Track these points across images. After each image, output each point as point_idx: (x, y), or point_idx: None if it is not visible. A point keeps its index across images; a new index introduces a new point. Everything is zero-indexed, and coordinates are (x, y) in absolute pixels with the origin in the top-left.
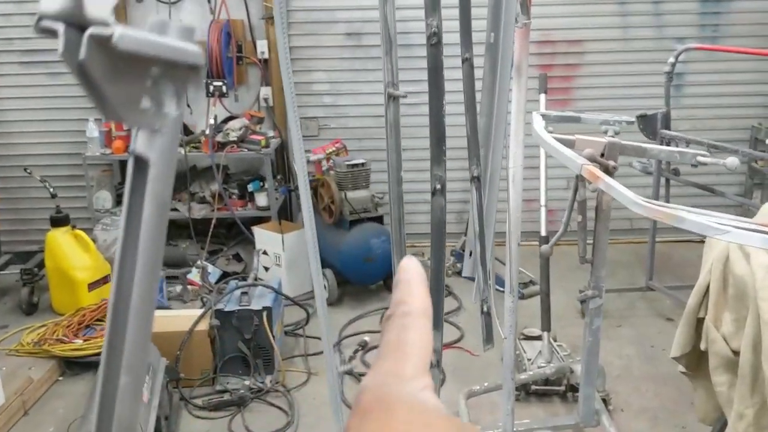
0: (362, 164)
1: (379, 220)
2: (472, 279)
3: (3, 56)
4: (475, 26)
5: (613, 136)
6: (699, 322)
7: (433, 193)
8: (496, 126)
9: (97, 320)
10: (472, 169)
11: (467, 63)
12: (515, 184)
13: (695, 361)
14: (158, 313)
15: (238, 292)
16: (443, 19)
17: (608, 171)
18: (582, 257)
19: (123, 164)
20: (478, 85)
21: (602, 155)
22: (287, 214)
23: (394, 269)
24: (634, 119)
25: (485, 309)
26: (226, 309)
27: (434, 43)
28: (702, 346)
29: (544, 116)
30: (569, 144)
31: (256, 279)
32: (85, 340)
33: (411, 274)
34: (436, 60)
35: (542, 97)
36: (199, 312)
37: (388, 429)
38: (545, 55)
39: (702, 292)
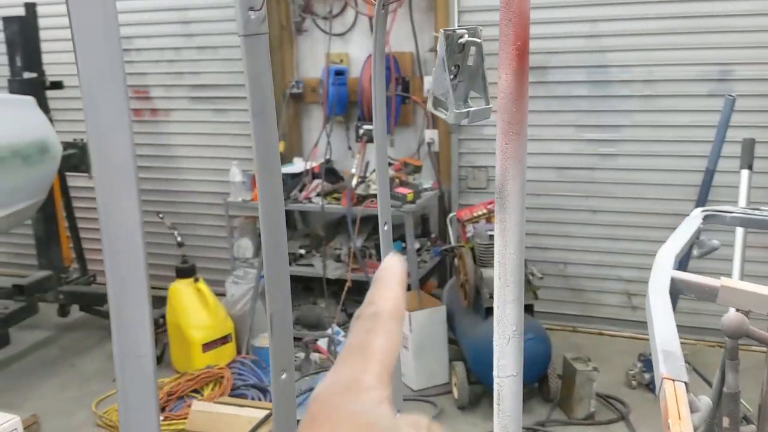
0: None
1: (528, 309)
2: None
3: (174, 90)
4: None
5: None
6: None
7: None
8: None
9: (193, 391)
10: None
11: None
12: (502, 409)
13: None
14: (218, 407)
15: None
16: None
17: None
18: None
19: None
20: None
21: None
22: (442, 279)
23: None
24: None
25: None
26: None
27: None
28: None
29: (712, 217)
30: (709, 293)
31: None
32: (165, 418)
33: (388, 273)
34: None
35: (744, 174)
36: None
37: None
38: None
39: None
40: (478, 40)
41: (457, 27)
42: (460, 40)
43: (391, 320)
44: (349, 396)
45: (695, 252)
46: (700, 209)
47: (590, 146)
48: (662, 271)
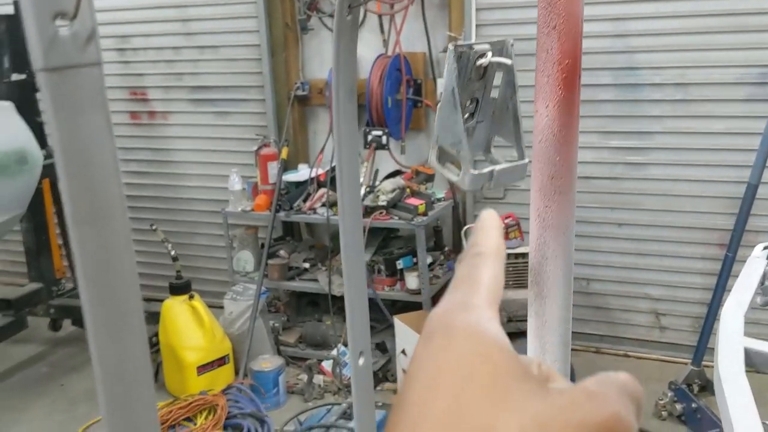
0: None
1: None
2: None
3: (173, 92)
4: None
5: None
6: None
7: None
8: None
9: (186, 419)
10: None
11: None
12: None
13: None
14: None
15: None
16: None
17: None
18: None
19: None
20: None
21: None
22: None
23: None
24: None
25: None
26: None
27: None
28: None
29: None
30: None
31: (346, 411)
32: None
33: (487, 222)
34: None
35: None
36: None
37: (444, 354)
38: None
39: None
40: (509, 62)
41: (474, 41)
42: (480, 61)
43: (494, 256)
44: (461, 312)
45: (759, 300)
46: (761, 246)
47: (616, 154)
48: (733, 340)
